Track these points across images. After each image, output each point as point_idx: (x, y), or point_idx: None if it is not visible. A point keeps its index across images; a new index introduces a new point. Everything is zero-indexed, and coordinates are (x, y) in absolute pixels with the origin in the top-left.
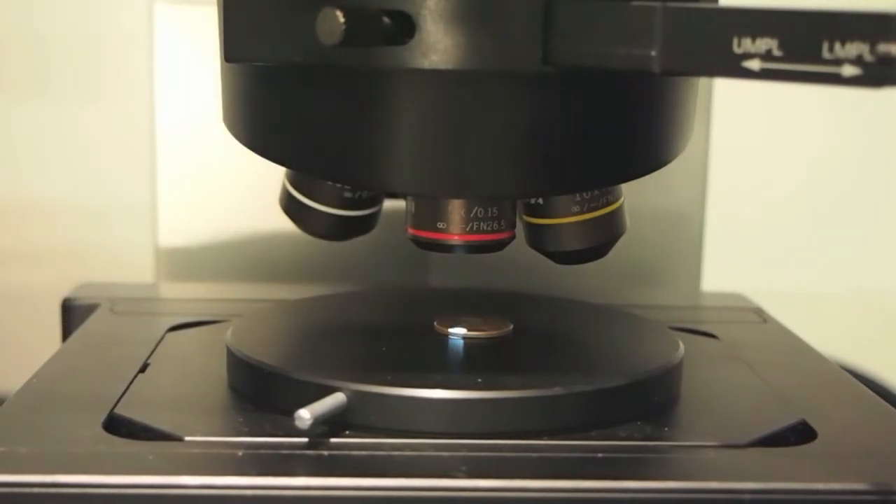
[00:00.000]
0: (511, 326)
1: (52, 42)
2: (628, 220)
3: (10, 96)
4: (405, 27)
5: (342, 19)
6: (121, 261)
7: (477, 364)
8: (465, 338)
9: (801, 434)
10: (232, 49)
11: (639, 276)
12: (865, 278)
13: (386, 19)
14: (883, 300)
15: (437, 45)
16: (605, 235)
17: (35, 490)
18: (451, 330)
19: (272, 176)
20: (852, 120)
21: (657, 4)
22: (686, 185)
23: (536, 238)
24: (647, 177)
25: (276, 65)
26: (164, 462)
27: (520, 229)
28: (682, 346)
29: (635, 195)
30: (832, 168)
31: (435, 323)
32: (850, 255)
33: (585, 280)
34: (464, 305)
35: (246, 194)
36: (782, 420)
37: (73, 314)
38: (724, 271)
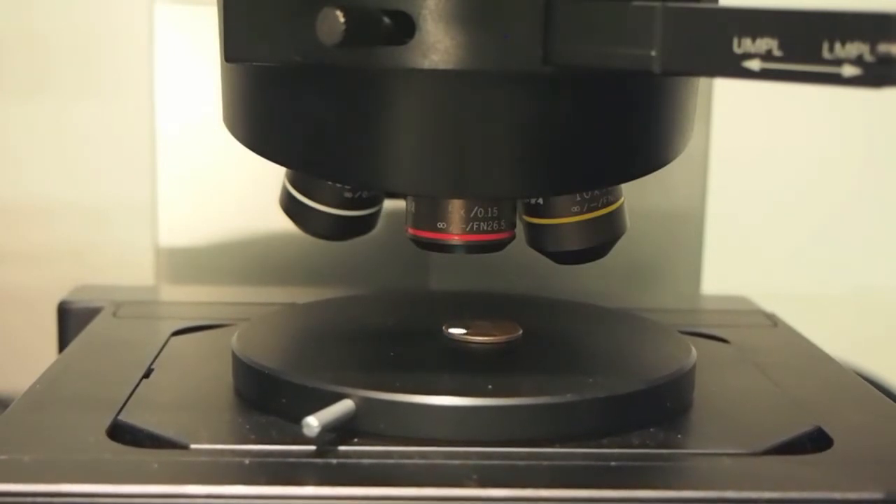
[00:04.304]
0: (520, 331)
1: (52, 42)
2: (628, 220)
3: (10, 96)
4: (405, 27)
5: (342, 19)
6: (121, 261)
7: (487, 370)
8: (474, 343)
9: (816, 441)
10: (232, 49)
11: (639, 276)
12: (866, 279)
13: (386, 19)
14: (883, 300)
15: (437, 45)
16: (605, 235)
17: (38, 500)
18: (460, 335)
19: (272, 176)
20: (852, 120)
21: (657, 4)
22: (686, 185)
23: (536, 238)
24: (647, 177)
25: (276, 65)
26: (169, 470)
27: (520, 229)
28: (694, 350)
29: (635, 195)
30: (832, 168)
31: (443, 327)
32: (850, 256)
33: (585, 280)
34: (471, 309)
35: (246, 194)
36: (798, 427)
37: (69, 317)
38: (724, 271)
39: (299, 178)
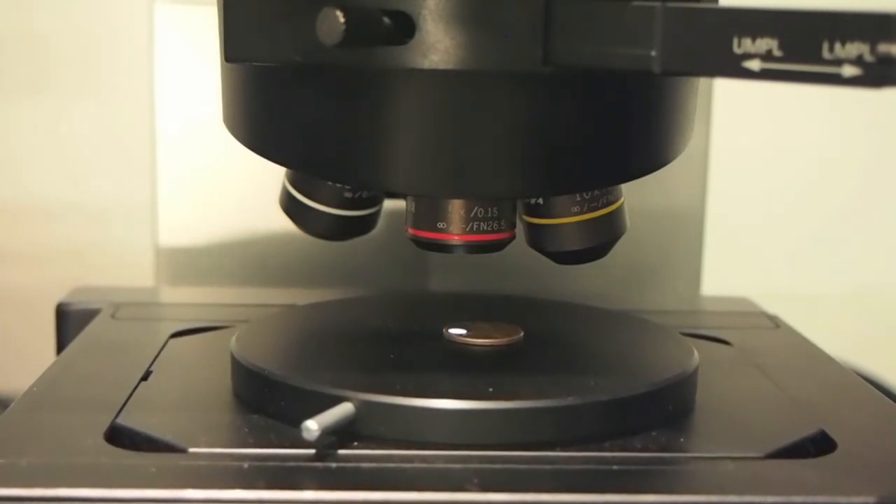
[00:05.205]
0: (521, 333)
1: (52, 42)
2: (628, 220)
3: (10, 96)
4: (405, 27)
5: (342, 19)
6: (121, 261)
7: (488, 372)
8: (475, 345)
9: (820, 445)
10: (232, 49)
11: (639, 276)
12: (866, 279)
13: (386, 19)
14: (883, 300)
15: (437, 45)
16: (605, 235)
17: None
18: (460, 337)
19: (272, 176)
20: (852, 120)
21: (657, 4)
22: (686, 185)
23: (536, 238)
24: (647, 177)
25: (276, 65)
26: (167, 475)
27: (520, 229)
28: (696, 353)
29: (635, 195)
30: (832, 168)
31: (444, 330)
32: (850, 256)
33: (585, 281)
34: (472, 310)
35: (246, 194)
36: (801, 430)
37: (67, 318)
38: (724, 272)
39: (299, 178)
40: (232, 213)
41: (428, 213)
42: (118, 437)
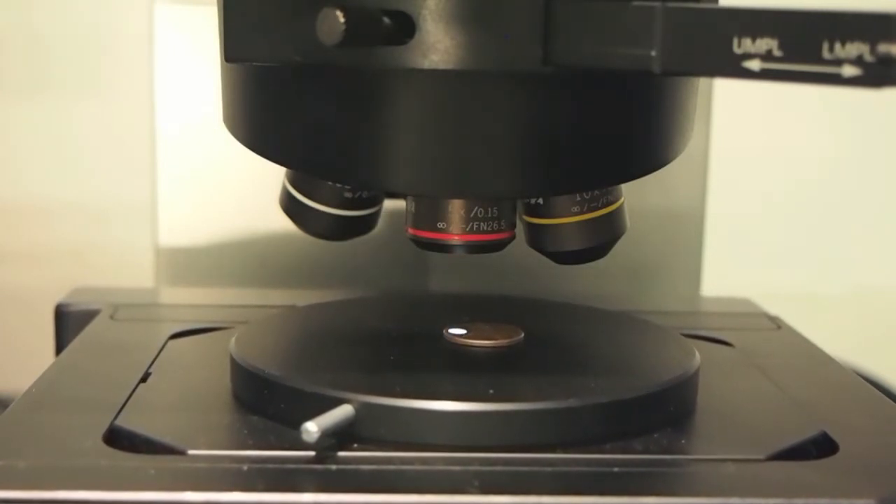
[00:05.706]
0: (522, 334)
1: (52, 42)
2: (628, 220)
3: (9, 96)
4: (405, 27)
5: (342, 19)
6: (121, 261)
7: (488, 374)
8: (475, 346)
9: (822, 447)
10: (232, 49)
11: (639, 276)
12: (866, 279)
13: (386, 19)
14: (883, 300)
15: (437, 45)
16: (605, 235)
17: None
18: (460, 338)
19: (272, 176)
20: (852, 120)
21: (657, 4)
22: (686, 185)
23: (536, 238)
24: (647, 177)
25: (276, 65)
26: (166, 477)
27: (520, 229)
28: (697, 354)
29: (635, 195)
30: (832, 168)
31: (444, 331)
32: (850, 256)
33: (585, 281)
34: (473, 312)
35: (246, 194)
36: (802, 432)
37: (66, 319)
38: (724, 271)
39: (299, 178)
40: (232, 213)
41: (428, 213)
42: (117, 438)
